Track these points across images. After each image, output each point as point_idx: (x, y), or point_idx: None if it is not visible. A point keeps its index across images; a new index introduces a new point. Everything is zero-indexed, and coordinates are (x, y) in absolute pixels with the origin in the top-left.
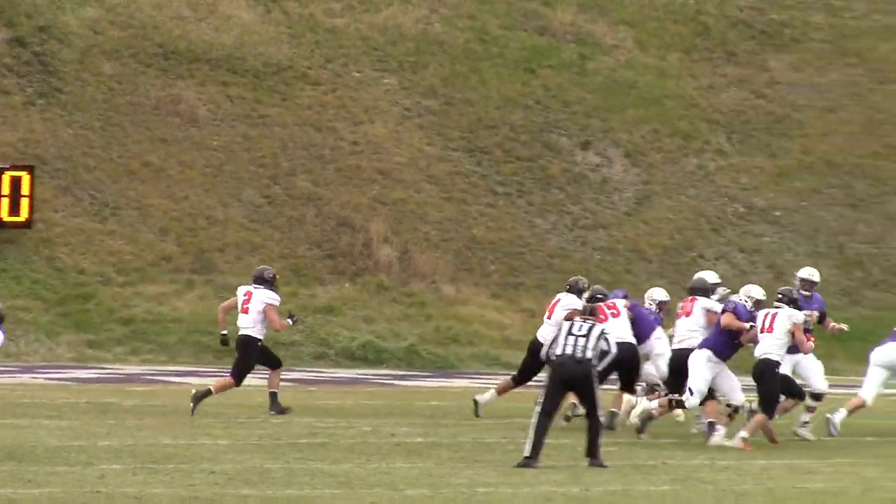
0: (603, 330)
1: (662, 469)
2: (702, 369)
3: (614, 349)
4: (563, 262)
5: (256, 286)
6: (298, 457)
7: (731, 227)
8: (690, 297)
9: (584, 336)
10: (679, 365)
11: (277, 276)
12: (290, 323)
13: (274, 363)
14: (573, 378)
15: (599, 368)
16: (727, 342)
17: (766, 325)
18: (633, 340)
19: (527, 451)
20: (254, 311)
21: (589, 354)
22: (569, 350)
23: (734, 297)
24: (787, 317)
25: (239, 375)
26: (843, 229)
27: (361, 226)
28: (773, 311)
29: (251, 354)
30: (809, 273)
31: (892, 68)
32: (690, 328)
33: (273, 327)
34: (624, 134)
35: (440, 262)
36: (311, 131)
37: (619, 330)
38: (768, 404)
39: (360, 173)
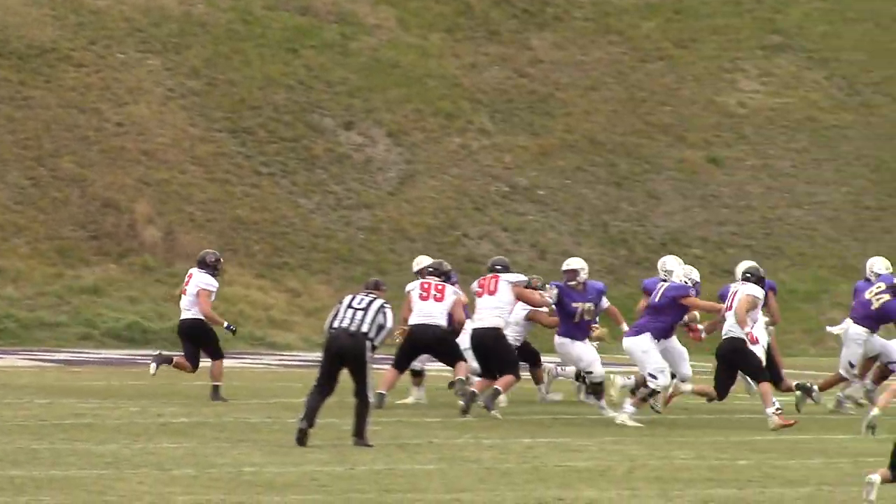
0: (383, 304)
1: (428, 448)
2: (652, 351)
3: (390, 324)
4: (328, 242)
5: (199, 269)
6: (64, 437)
7: (494, 206)
8: (492, 275)
9: (362, 310)
10: (482, 344)
11: (221, 261)
12: (223, 324)
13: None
14: (345, 351)
15: (377, 343)
16: (667, 326)
17: (728, 304)
18: (444, 323)
19: (300, 423)
20: (191, 294)
21: (364, 328)
22: (345, 323)
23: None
24: (746, 293)
25: (214, 354)
26: (606, 207)
27: (126, 207)
28: (735, 289)
29: (208, 332)
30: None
31: (653, 46)
32: (495, 305)
33: (201, 310)
34: (387, 114)
35: (205, 242)
36: (75, 113)
37: (435, 312)
38: (757, 375)
39: (124, 154)
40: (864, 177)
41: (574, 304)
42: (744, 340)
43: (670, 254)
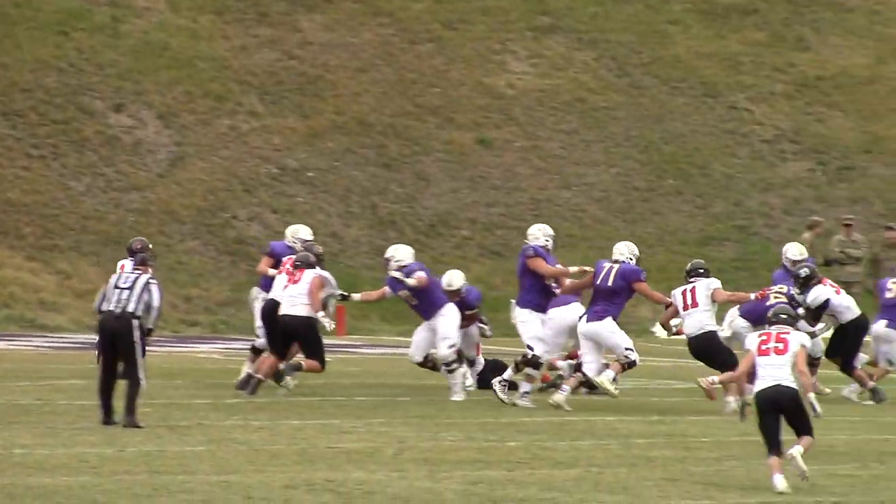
0: (148, 280)
1: (198, 430)
2: (619, 330)
3: (157, 302)
4: (98, 224)
5: (130, 258)
6: None
7: (264, 187)
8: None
9: (128, 289)
10: (288, 329)
11: (151, 247)
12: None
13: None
14: (114, 333)
15: (151, 325)
16: (621, 310)
17: (690, 302)
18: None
19: (100, 418)
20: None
21: (131, 308)
22: (112, 305)
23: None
24: (706, 286)
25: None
26: (375, 189)
27: None
28: (688, 286)
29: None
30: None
31: (423, 28)
32: (301, 292)
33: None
34: (157, 96)
35: None
36: None
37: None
38: (728, 367)
39: None
40: (633, 158)
41: None
42: (715, 332)
43: (439, 235)
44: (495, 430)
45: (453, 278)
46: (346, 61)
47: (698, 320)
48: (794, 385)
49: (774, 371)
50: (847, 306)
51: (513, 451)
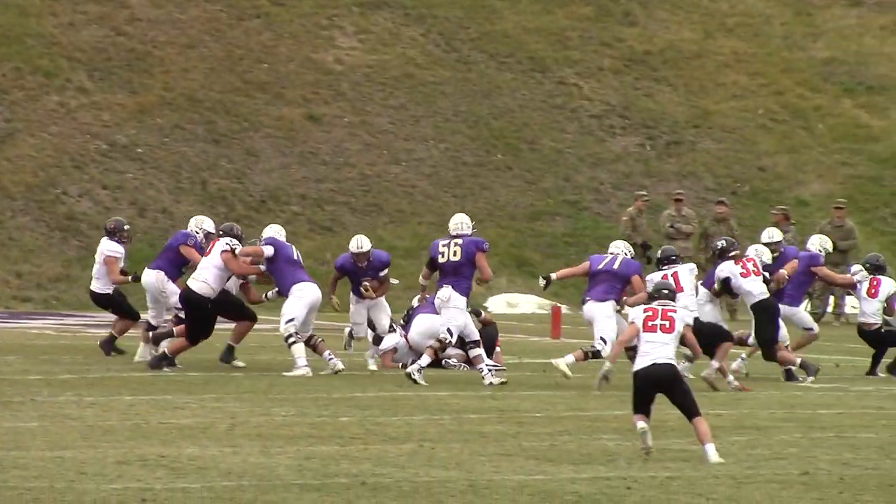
0: None
1: (31, 406)
2: (613, 319)
3: None
4: None
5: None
6: None
7: (94, 163)
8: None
9: None
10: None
11: (127, 228)
12: (130, 279)
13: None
14: None
15: None
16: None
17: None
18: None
19: None
20: (98, 262)
21: None
22: None
23: None
24: (689, 270)
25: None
26: (205, 165)
27: None
28: (669, 271)
29: (116, 304)
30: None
31: (250, 4)
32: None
33: (112, 279)
34: None
35: None
36: None
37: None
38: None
39: None
40: (462, 133)
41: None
42: (696, 317)
43: (269, 211)
44: (328, 406)
45: (362, 241)
46: (175, 37)
47: (684, 305)
48: (673, 362)
49: (659, 349)
50: (748, 290)
51: (345, 427)
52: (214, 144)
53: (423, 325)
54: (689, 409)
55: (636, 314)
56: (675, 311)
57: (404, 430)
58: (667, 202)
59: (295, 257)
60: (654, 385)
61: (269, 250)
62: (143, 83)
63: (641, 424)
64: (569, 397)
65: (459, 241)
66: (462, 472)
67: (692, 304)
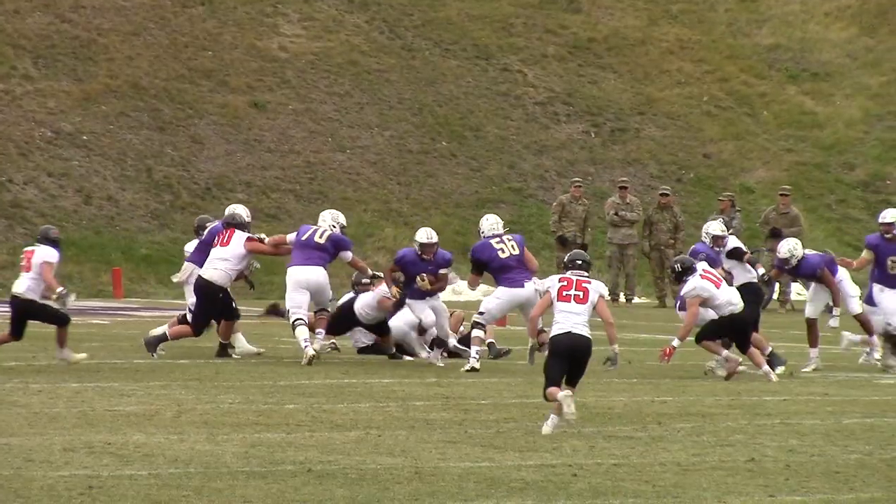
0: None
1: None
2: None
3: None
4: None
5: (39, 244)
6: None
7: (39, 151)
8: (229, 230)
9: None
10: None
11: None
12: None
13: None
14: None
15: None
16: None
17: None
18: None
19: None
20: (35, 269)
21: None
22: None
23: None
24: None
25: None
26: (150, 152)
27: None
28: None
29: (39, 312)
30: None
31: None
32: (223, 257)
33: (46, 283)
34: None
35: None
36: None
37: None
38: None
39: None
40: (407, 120)
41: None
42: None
43: (214, 198)
44: (273, 393)
45: (432, 233)
46: (119, 25)
47: (728, 299)
48: (589, 335)
49: (573, 318)
50: (727, 300)
51: (292, 414)
52: (159, 132)
53: (408, 315)
54: (575, 382)
55: (551, 283)
56: (588, 283)
57: (350, 418)
58: (611, 189)
59: (304, 239)
60: (569, 353)
61: (291, 237)
62: (87, 71)
63: (566, 391)
64: (514, 385)
65: (508, 237)
66: (408, 459)
67: (735, 297)
